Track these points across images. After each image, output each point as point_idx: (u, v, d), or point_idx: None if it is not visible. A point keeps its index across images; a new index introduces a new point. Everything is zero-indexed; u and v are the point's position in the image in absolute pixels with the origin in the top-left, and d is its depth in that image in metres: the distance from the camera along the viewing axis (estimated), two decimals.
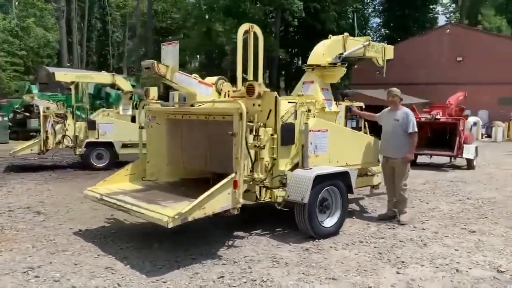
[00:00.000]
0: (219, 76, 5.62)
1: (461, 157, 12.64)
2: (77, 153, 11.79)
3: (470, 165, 12.76)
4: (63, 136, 11.41)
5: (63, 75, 13.21)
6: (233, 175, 4.54)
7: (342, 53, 6.66)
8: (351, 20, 48.85)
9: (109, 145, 11.79)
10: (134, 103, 13.05)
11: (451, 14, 56.32)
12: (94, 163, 11.59)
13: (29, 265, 4.37)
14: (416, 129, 6.19)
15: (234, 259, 4.70)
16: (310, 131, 5.45)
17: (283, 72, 48.52)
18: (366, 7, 53.45)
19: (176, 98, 6.23)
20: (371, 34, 54.95)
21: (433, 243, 5.43)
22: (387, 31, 52.44)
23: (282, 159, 5.38)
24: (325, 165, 5.72)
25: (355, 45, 7.01)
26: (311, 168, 5.40)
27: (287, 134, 5.39)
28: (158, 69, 4.81)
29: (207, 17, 38.47)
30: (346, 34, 6.92)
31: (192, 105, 5.25)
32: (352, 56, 7.17)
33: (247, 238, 5.46)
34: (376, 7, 55.36)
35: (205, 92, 5.32)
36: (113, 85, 13.71)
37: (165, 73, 4.90)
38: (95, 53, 54.91)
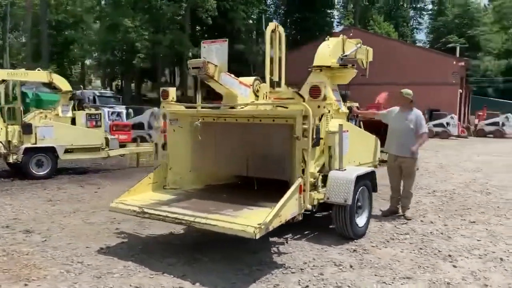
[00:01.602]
0: (255, 77, 5.38)
1: None
2: (11, 161, 10.40)
3: None
4: None
5: None
6: (300, 180, 4.39)
7: (344, 55, 6.80)
8: (253, 21, 49.96)
9: (50, 151, 10.60)
10: (74, 104, 11.94)
11: (345, 20, 60.40)
12: (34, 172, 10.32)
13: None
14: (427, 130, 6.55)
15: (298, 266, 4.55)
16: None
17: None
18: (269, 8, 54.98)
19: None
20: None
21: (453, 235, 5.81)
22: (291, 33, 54.45)
23: (311, 161, 5.33)
24: (348, 165, 5.79)
25: (351, 47, 7.19)
26: (345, 169, 5.43)
27: (318, 136, 5.36)
28: (208, 69, 4.47)
29: (110, 11, 36.46)
30: (344, 36, 7.06)
31: (232, 107, 4.95)
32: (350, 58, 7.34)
33: (286, 243, 5.30)
34: (277, 10, 57.40)
35: (244, 94, 5.06)
36: (49, 84, 12.34)
37: (213, 73, 4.56)
38: None
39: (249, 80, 5.25)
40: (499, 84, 44.40)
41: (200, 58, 4.76)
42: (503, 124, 32.31)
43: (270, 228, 4.05)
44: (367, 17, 58.18)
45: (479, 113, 35.42)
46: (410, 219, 6.56)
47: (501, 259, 4.88)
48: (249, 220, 4.06)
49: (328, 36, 7.21)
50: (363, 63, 8.13)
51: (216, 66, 4.54)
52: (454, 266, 4.66)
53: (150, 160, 13.05)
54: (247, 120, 5.03)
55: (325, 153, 5.54)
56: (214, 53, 4.78)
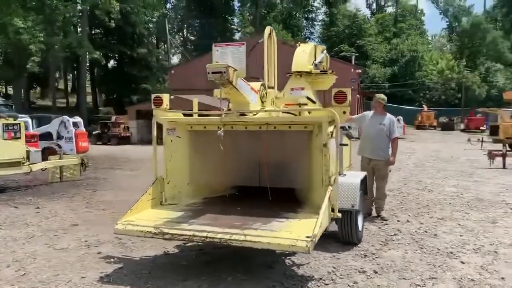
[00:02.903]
0: (261, 82, 5.11)
1: None
2: None
3: None
4: None
5: None
6: (330, 188, 4.27)
7: (319, 61, 6.86)
8: (154, 25, 48.65)
9: None
10: None
11: (245, 27, 61.57)
12: None
13: None
14: (399, 135, 6.83)
15: (326, 276, 4.42)
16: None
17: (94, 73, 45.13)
18: (170, 13, 53.91)
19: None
20: (178, 39, 55.73)
21: (436, 232, 6.13)
22: (192, 37, 54.10)
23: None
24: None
25: (319, 53, 7.28)
26: (345, 174, 5.44)
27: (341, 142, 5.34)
28: (229, 75, 4.15)
29: None
30: (314, 43, 7.13)
31: (243, 114, 4.64)
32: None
33: (293, 254, 5.11)
34: (177, 15, 56.62)
35: (254, 100, 4.79)
36: None
37: (232, 78, 4.24)
38: None
39: (256, 85, 4.99)
40: (385, 89, 48.55)
41: (216, 62, 4.39)
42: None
43: (316, 240, 3.88)
44: (267, 25, 59.95)
45: None
46: (387, 220, 6.80)
47: (495, 251, 5.25)
48: (293, 233, 3.83)
49: (299, 42, 7.22)
50: (324, 69, 8.26)
51: (235, 70, 4.23)
52: (462, 262, 4.89)
53: (74, 173, 11.92)
54: (259, 127, 4.77)
55: None
56: (229, 57, 4.45)
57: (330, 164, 4.32)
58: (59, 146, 17.61)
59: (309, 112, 5.04)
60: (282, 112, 5.06)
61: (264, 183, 5.01)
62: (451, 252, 5.22)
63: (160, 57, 46.06)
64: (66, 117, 18.97)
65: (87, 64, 40.05)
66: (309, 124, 4.57)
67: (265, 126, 4.71)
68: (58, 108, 39.88)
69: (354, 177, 5.30)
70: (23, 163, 10.32)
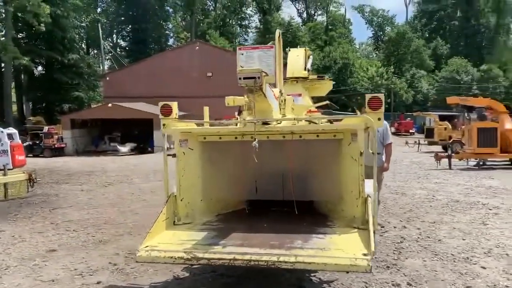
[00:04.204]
0: (279, 89, 4.74)
1: None
2: None
3: None
4: None
5: None
6: (370, 199, 4.04)
7: (311, 66, 6.68)
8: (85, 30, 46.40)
9: None
10: None
11: (180, 33, 60.60)
12: None
13: None
14: (392, 140, 6.79)
15: None
16: None
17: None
18: (101, 18, 51.58)
19: None
20: (107, 45, 53.42)
21: (439, 237, 6.13)
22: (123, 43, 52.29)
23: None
24: None
25: (307, 58, 7.10)
26: None
27: None
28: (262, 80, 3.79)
29: None
30: (306, 48, 6.94)
31: (266, 123, 4.26)
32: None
33: (321, 272, 4.81)
34: (111, 19, 54.47)
35: (276, 107, 4.44)
36: None
37: (263, 84, 3.89)
38: None
39: (276, 92, 4.65)
40: (322, 96, 50.06)
41: (241, 66, 4.02)
42: None
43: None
44: (202, 31, 59.52)
45: None
46: (383, 226, 6.73)
47: (507, 254, 5.32)
48: (346, 251, 3.53)
49: (288, 47, 6.98)
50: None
51: (266, 75, 3.88)
52: (483, 268, 4.88)
53: (20, 190, 10.81)
54: (283, 136, 4.42)
55: None
56: (256, 61, 4.10)
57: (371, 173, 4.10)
58: None
59: (330, 122, 4.78)
60: (305, 121, 4.76)
61: (289, 196, 4.67)
62: (467, 258, 5.21)
63: (92, 63, 43.71)
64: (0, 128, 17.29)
65: (11, 70, 37.02)
66: (339, 132, 4.32)
67: (290, 135, 4.38)
68: None
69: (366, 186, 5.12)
70: None
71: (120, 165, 19.75)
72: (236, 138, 4.48)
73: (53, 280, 4.69)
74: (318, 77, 6.40)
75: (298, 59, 6.43)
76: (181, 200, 4.46)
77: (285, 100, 4.75)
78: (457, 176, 13.22)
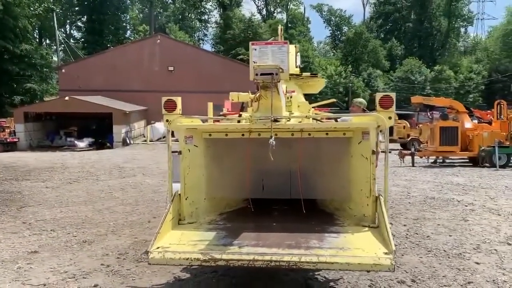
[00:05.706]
0: (285, 86, 4.64)
1: None
2: None
3: None
4: None
5: None
6: (382, 198, 4.04)
7: (301, 63, 6.63)
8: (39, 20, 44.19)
9: None
10: None
11: (139, 26, 59.07)
12: None
13: None
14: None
15: None
16: None
17: None
18: (56, 8, 49.32)
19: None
20: (64, 35, 51.26)
21: (427, 234, 6.27)
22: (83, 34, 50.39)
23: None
24: None
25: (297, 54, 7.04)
26: None
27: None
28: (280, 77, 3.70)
29: None
30: (296, 45, 6.86)
31: (276, 120, 4.16)
32: None
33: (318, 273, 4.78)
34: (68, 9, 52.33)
35: (284, 105, 4.34)
36: None
37: (280, 80, 3.79)
38: None
39: (284, 88, 4.55)
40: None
41: (253, 61, 3.90)
42: None
43: None
44: (160, 24, 58.32)
45: None
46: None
47: (495, 250, 5.51)
48: (367, 250, 3.51)
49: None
50: None
51: (282, 72, 3.78)
52: (477, 263, 5.03)
53: None
54: (291, 134, 4.33)
55: None
56: (269, 57, 3.99)
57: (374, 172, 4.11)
58: None
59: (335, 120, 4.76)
60: (313, 119, 4.70)
61: (296, 195, 4.59)
62: (460, 254, 5.35)
63: (46, 54, 41.66)
64: None
65: None
66: (349, 130, 4.28)
67: (299, 133, 4.30)
68: None
69: None
70: None
71: (80, 161, 18.95)
72: (243, 135, 4.35)
73: (45, 285, 4.39)
74: (311, 74, 6.35)
75: (291, 56, 6.34)
76: (186, 199, 4.28)
77: (291, 97, 4.67)
78: (423, 173, 13.64)
